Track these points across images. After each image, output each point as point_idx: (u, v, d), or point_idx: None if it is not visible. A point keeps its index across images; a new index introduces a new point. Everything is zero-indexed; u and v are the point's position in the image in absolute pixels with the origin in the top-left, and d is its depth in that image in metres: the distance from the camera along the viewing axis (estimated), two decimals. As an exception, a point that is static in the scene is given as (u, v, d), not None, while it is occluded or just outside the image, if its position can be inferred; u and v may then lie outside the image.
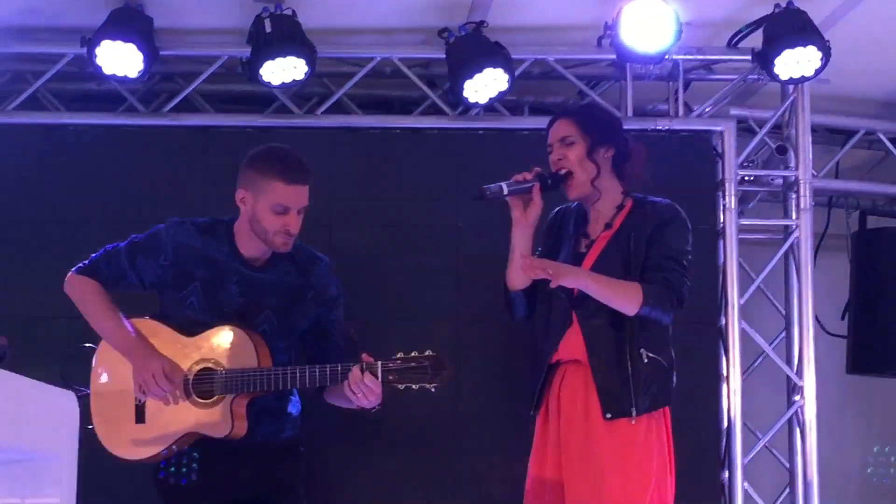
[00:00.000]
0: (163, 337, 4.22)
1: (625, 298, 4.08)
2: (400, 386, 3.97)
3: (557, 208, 4.39)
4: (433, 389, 3.98)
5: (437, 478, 6.20)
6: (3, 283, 6.16)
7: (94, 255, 4.37)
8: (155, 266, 4.24)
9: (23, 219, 6.27)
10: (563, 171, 4.19)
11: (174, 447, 4.15)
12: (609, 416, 4.07)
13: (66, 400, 3.67)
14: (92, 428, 4.29)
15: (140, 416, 4.19)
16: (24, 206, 6.30)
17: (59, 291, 4.55)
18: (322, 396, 4.36)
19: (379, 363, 3.97)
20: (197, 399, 4.14)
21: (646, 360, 4.12)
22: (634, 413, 4.07)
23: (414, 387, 3.96)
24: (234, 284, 4.22)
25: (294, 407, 4.36)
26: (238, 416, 4.11)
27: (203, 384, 4.14)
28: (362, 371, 3.96)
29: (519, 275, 4.23)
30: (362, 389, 3.96)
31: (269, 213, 4.16)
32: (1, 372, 3.20)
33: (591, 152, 4.21)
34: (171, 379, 4.11)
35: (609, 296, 4.09)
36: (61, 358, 5.70)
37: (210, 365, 4.14)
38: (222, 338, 4.16)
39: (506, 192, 4.14)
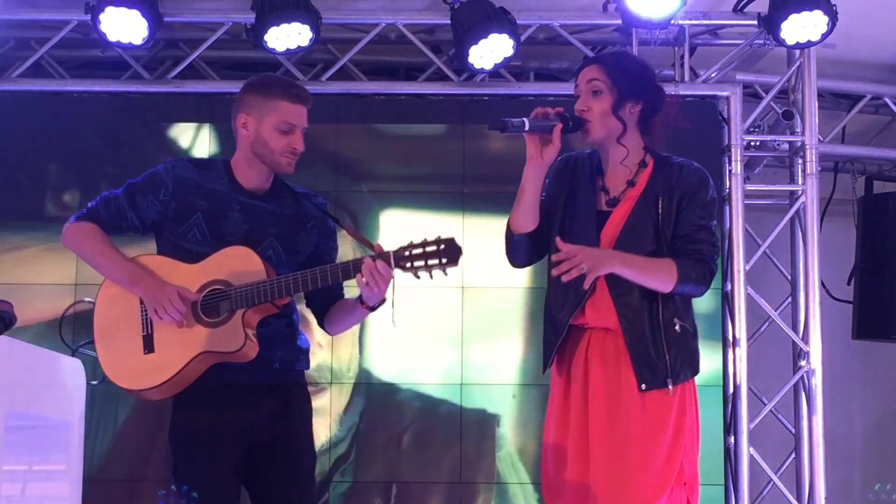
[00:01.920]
0: (166, 268, 4.19)
1: (660, 279, 4.00)
2: (413, 272, 3.97)
3: (567, 154, 4.25)
4: (445, 273, 3.97)
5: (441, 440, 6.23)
6: (7, 249, 6.17)
7: (90, 203, 4.35)
8: (155, 202, 4.23)
9: (28, 184, 6.27)
10: (581, 118, 4.10)
11: (184, 374, 4.11)
12: (644, 387, 4.02)
13: (72, 367, 3.69)
14: (97, 383, 4.29)
15: (149, 347, 4.15)
16: (29, 171, 6.30)
17: (63, 258, 4.55)
18: (324, 327, 4.36)
19: (391, 252, 3.98)
20: (206, 319, 4.12)
21: (678, 329, 4.07)
22: (671, 384, 4.03)
23: (430, 273, 3.95)
24: (237, 213, 4.22)
25: (303, 342, 4.35)
26: (250, 333, 4.09)
27: (211, 305, 4.12)
28: (374, 260, 3.97)
29: (526, 216, 4.09)
30: (375, 277, 3.95)
31: (275, 133, 4.18)
32: (7, 340, 3.20)
33: (617, 107, 4.12)
34: (186, 299, 4.10)
35: (644, 278, 4.01)
36: (65, 323, 5.74)
37: (217, 286, 4.13)
38: (228, 257, 4.14)
39: (527, 127, 4.02)
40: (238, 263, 4.12)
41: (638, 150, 4.15)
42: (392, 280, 3.99)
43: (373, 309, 4.14)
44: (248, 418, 4.15)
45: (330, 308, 4.32)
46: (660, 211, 4.05)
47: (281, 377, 4.21)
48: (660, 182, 4.08)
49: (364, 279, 3.98)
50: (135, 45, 6.18)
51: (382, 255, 3.98)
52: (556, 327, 4.13)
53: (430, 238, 3.96)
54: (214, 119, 6.34)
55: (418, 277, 3.97)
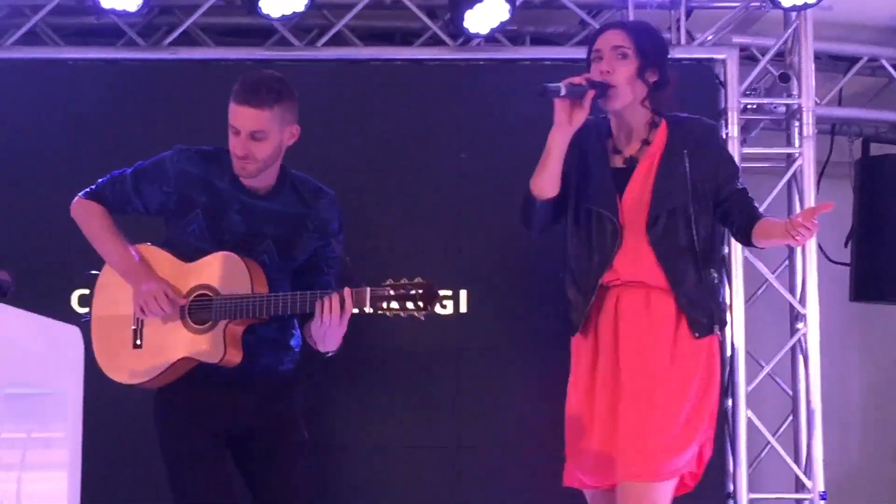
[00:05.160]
0: (162, 263, 4.24)
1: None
2: (389, 313, 3.97)
3: None
4: (422, 317, 3.97)
5: (438, 411, 6.23)
6: (3, 217, 6.16)
7: (100, 180, 4.38)
8: (158, 192, 4.25)
9: (23, 153, 6.25)
10: (610, 83, 4.11)
11: (167, 373, 4.17)
12: (697, 335, 4.08)
13: (70, 335, 3.69)
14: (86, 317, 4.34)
15: (137, 341, 4.21)
16: (23, 141, 6.28)
17: (59, 225, 4.56)
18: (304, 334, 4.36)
19: (368, 289, 3.97)
20: (192, 325, 4.15)
21: (714, 280, 4.16)
22: (717, 329, 4.12)
23: (402, 314, 3.95)
24: (236, 213, 4.22)
25: (295, 340, 4.36)
26: (232, 343, 4.11)
27: (199, 310, 4.15)
28: (350, 296, 3.96)
29: (552, 182, 4.10)
30: (335, 317, 3.94)
31: (230, 135, 4.16)
32: (6, 308, 3.20)
33: (641, 72, 4.16)
34: (172, 301, 4.13)
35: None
36: (66, 289, 5.75)
37: (206, 291, 4.15)
38: (218, 264, 4.16)
39: (563, 92, 4.04)
40: (227, 272, 4.15)
41: (647, 114, 4.20)
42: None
43: (324, 356, 4.15)
44: (228, 409, 4.21)
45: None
46: (686, 163, 4.11)
47: (263, 378, 4.25)
48: (678, 134, 4.15)
49: (321, 312, 3.97)
50: (129, 12, 6.16)
51: (359, 293, 3.97)
52: (583, 289, 4.14)
53: (409, 280, 3.96)
54: (210, 86, 6.31)
55: (389, 316, 3.98)
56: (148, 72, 6.41)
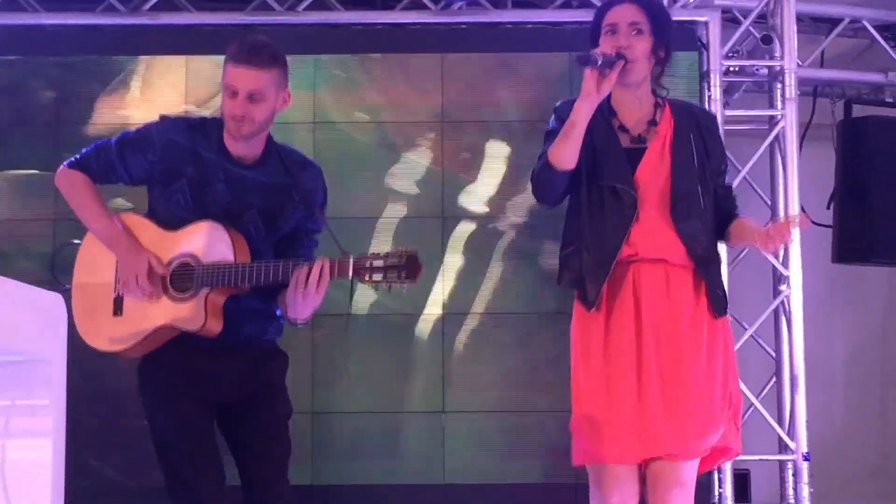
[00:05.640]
0: (146, 232, 4.21)
1: None
2: (372, 285, 3.96)
3: (565, 99, 4.27)
4: (405, 290, 3.96)
5: (425, 378, 6.26)
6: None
7: (85, 150, 4.36)
8: (143, 161, 4.22)
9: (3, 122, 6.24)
10: (629, 57, 4.12)
11: (148, 341, 4.16)
12: (718, 314, 4.11)
13: (53, 302, 3.68)
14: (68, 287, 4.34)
15: (118, 309, 4.19)
16: (3, 108, 6.26)
17: (41, 193, 4.55)
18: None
19: (351, 258, 3.95)
20: (174, 294, 4.14)
21: (720, 261, 4.21)
22: (729, 309, 4.16)
23: (385, 286, 3.94)
24: (222, 183, 4.20)
25: (280, 310, 4.35)
26: (212, 312, 4.09)
27: (181, 279, 4.14)
28: (332, 265, 3.95)
29: (573, 152, 4.05)
30: (311, 286, 3.94)
31: (225, 97, 4.13)
32: (-13, 275, 3.20)
33: (655, 49, 4.17)
34: (153, 278, 4.11)
35: None
36: (47, 258, 5.74)
37: (188, 260, 4.14)
38: (201, 233, 4.14)
39: (599, 62, 4.05)
40: (208, 240, 4.11)
41: (651, 93, 4.21)
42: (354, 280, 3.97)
43: (295, 324, 4.13)
44: (215, 378, 4.19)
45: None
46: (693, 147, 4.13)
47: (249, 347, 4.24)
48: (684, 119, 4.17)
49: (297, 281, 3.95)
50: (109, -23, 6.14)
51: (342, 262, 3.95)
52: (598, 263, 4.12)
53: (393, 251, 3.92)
54: (190, 52, 6.29)
55: (375, 289, 3.97)
56: (128, 37, 6.38)
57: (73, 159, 4.31)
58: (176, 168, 4.19)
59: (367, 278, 3.93)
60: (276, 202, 4.23)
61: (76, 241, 4.39)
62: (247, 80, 4.09)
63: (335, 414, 6.23)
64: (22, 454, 3.44)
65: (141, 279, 4.10)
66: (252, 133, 4.14)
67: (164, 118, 4.30)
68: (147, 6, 6.40)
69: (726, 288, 4.28)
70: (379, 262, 3.91)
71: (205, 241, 4.12)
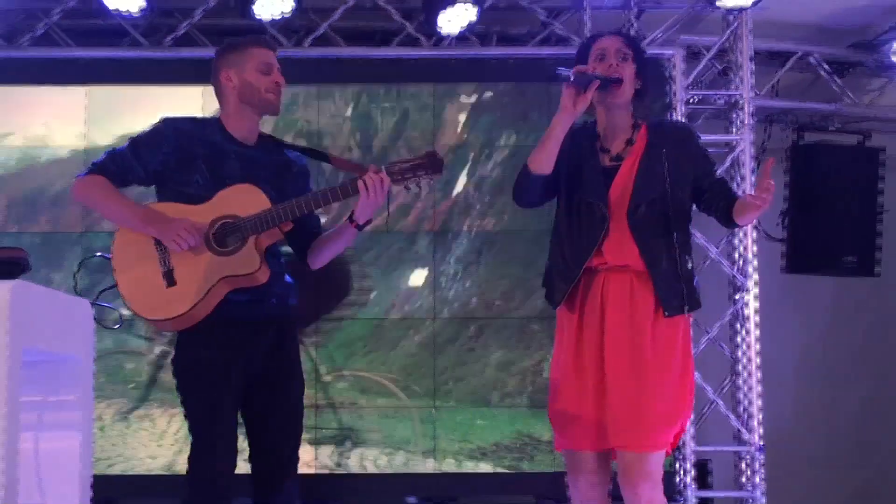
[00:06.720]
0: (176, 211, 4.17)
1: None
2: (406, 186, 4.09)
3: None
4: (431, 183, 4.14)
5: (417, 370, 6.26)
6: (22, 203, 6.16)
7: (95, 160, 4.32)
8: (158, 153, 4.21)
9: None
10: (615, 77, 4.15)
11: (206, 302, 4.10)
12: (667, 313, 4.09)
13: (81, 307, 3.70)
14: (118, 327, 4.34)
15: (170, 281, 4.13)
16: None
17: (71, 210, 4.53)
18: (308, 260, 4.36)
19: (383, 167, 4.08)
20: (220, 250, 4.10)
21: (689, 266, 4.18)
22: (687, 309, 4.13)
23: (419, 183, 4.08)
24: (234, 159, 4.23)
25: (291, 279, 4.35)
26: (262, 257, 4.11)
27: (225, 235, 4.11)
28: (376, 171, 4.07)
29: (549, 158, 4.10)
30: (377, 186, 4.04)
31: (258, 75, 4.23)
32: (24, 283, 3.22)
33: (637, 75, 4.21)
34: (199, 230, 4.08)
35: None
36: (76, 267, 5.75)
37: (227, 219, 4.12)
38: (236, 194, 4.14)
39: (571, 79, 4.08)
40: (243, 198, 4.13)
41: (631, 116, 4.24)
42: (389, 190, 4.12)
43: (361, 228, 4.18)
44: (248, 353, 4.15)
45: (311, 242, 4.32)
46: (665, 162, 4.14)
47: (277, 311, 4.22)
48: (658, 136, 4.19)
49: (367, 189, 4.04)
50: (133, 15, 6.18)
51: (377, 170, 4.07)
52: (569, 268, 4.15)
53: (415, 154, 4.13)
54: (208, 81, 6.31)
55: (408, 189, 4.09)
56: (151, 69, 6.42)
57: (86, 169, 4.26)
58: (190, 152, 4.19)
59: (399, 178, 4.04)
60: (280, 175, 4.28)
61: (100, 255, 4.35)
62: (273, 58, 4.31)
63: (334, 406, 6.24)
64: (53, 445, 3.47)
65: (184, 233, 4.06)
66: (280, 104, 4.26)
67: (165, 118, 4.31)
68: (168, 41, 6.44)
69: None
70: (406, 165, 4.06)
71: (241, 199, 4.13)
